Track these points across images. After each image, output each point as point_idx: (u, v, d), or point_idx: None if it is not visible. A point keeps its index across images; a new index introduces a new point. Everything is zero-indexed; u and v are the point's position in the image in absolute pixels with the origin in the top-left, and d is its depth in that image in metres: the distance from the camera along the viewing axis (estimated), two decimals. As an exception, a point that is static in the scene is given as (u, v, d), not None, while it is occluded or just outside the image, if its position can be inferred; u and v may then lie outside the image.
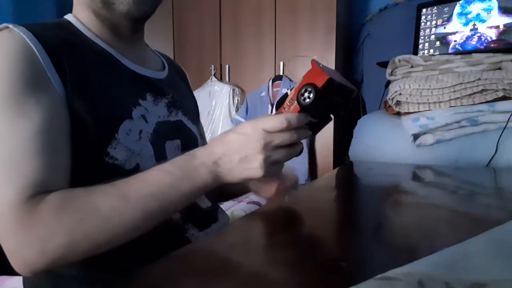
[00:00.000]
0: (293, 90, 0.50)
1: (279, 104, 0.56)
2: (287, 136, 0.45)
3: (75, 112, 0.47)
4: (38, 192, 0.41)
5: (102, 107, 0.49)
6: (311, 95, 0.46)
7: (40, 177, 0.41)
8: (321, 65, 0.47)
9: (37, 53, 0.45)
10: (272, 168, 0.46)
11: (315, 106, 0.47)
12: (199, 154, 0.46)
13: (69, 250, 0.40)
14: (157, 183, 0.44)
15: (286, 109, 0.50)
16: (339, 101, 0.50)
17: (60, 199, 0.41)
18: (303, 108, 0.47)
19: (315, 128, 0.52)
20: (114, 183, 0.43)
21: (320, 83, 0.46)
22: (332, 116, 0.53)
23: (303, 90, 0.47)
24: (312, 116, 0.49)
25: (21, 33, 0.46)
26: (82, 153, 0.47)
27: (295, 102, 0.48)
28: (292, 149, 0.47)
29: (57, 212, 0.40)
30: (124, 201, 0.42)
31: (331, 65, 2.09)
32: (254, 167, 0.44)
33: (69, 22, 0.55)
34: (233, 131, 0.46)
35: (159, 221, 0.45)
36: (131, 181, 0.43)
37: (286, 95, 0.59)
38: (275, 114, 0.50)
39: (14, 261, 0.40)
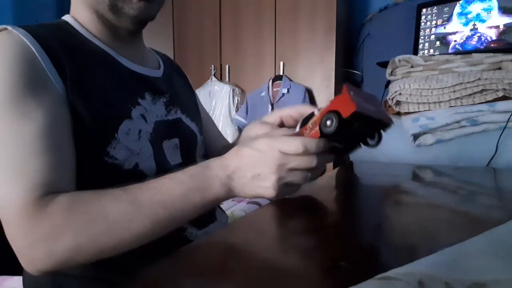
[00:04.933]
0: (318, 113, 0.46)
1: (304, 123, 0.54)
2: (304, 161, 0.43)
3: (75, 112, 0.47)
4: (46, 192, 0.41)
5: (102, 107, 0.49)
6: (334, 124, 0.43)
7: (46, 177, 0.41)
8: (351, 93, 0.43)
9: (36, 53, 0.45)
10: (286, 189, 0.44)
11: (337, 136, 0.44)
12: (213, 166, 0.45)
13: (75, 253, 0.40)
14: (168, 192, 0.43)
15: (307, 131, 0.46)
16: (367, 132, 0.47)
17: (69, 201, 0.41)
18: (324, 136, 0.44)
19: (341, 152, 0.49)
20: (125, 188, 0.43)
21: (345, 113, 0.42)
22: (361, 144, 0.49)
23: (326, 117, 0.44)
24: (336, 142, 0.46)
25: (19, 34, 0.46)
26: (82, 153, 0.47)
27: (317, 127, 0.45)
28: (310, 172, 0.45)
29: (65, 214, 0.40)
30: (134, 208, 0.41)
31: (331, 65, 2.09)
32: (266, 186, 0.43)
33: (67, 23, 0.55)
34: (249, 145, 0.45)
35: (168, 230, 0.44)
36: (142, 187, 0.43)
37: (312, 114, 0.56)
38: (296, 132, 0.48)
39: (23, 261, 0.40)
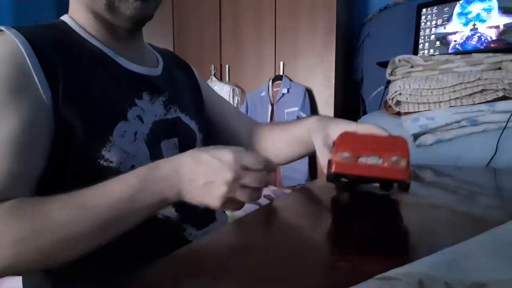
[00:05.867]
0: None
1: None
2: (257, 179, 0.43)
3: (68, 115, 0.46)
4: None
5: (96, 109, 0.49)
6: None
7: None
8: (339, 148, 0.45)
9: (26, 57, 0.45)
10: (230, 204, 0.43)
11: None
12: (164, 167, 0.44)
13: (19, 261, 0.38)
14: (116, 194, 0.42)
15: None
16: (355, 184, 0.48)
17: (12, 207, 0.39)
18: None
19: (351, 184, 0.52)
20: (72, 193, 0.41)
21: (330, 167, 0.45)
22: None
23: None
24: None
25: (13, 36, 0.45)
26: (76, 156, 0.47)
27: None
28: (257, 193, 0.44)
29: (6, 221, 0.38)
30: (79, 211, 0.40)
31: (331, 65, 2.08)
32: (213, 196, 0.42)
33: (64, 23, 0.55)
34: (210, 152, 0.44)
35: (117, 233, 0.43)
36: (90, 191, 0.42)
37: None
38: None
39: None
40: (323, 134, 0.59)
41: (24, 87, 0.44)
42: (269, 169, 0.44)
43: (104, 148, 0.48)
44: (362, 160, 0.44)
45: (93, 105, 0.49)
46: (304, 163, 2.09)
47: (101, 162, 0.48)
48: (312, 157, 2.12)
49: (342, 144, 0.44)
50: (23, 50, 0.45)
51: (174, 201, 0.44)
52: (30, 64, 0.45)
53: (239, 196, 0.43)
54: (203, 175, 0.42)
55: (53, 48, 0.48)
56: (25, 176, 0.43)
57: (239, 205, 0.44)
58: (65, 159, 0.47)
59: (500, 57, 1.06)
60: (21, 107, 0.43)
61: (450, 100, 1.10)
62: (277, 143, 0.72)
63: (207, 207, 0.43)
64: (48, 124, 0.45)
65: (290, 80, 2.19)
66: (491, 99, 1.04)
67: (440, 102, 1.11)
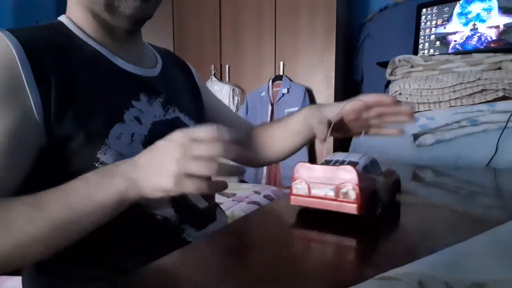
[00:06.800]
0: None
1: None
2: (209, 147, 0.40)
3: (61, 120, 0.46)
4: None
5: (92, 112, 0.48)
6: None
7: None
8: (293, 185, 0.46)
9: (18, 61, 0.44)
10: (187, 182, 0.40)
11: None
12: (123, 163, 0.43)
13: None
14: (74, 192, 0.41)
15: None
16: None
17: None
18: None
19: None
20: (35, 193, 0.41)
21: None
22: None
23: None
24: None
25: (6, 39, 0.45)
26: (71, 159, 0.46)
27: None
28: (214, 163, 0.40)
29: None
30: (36, 211, 0.40)
31: (331, 65, 2.08)
32: (165, 176, 0.40)
33: (61, 23, 0.54)
34: (165, 137, 0.43)
35: (77, 233, 0.41)
36: (50, 190, 0.41)
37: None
38: None
39: None
40: (319, 115, 0.63)
41: (13, 92, 0.44)
42: (224, 138, 0.41)
43: (100, 151, 0.47)
44: (315, 192, 0.45)
45: (88, 107, 0.48)
46: (304, 163, 2.09)
47: (97, 165, 0.47)
48: (311, 158, 2.12)
49: (297, 175, 0.46)
50: (15, 55, 0.44)
51: (131, 197, 0.42)
52: (21, 69, 0.44)
53: (194, 169, 0.40)
54: (154, 160, 0.42)
55: (48, 50, 0.47)
56: (2, 182, 0.43)
57: (200, 182, 0.41)
58: (59, 162, 0.47)
59: (500, 57, 1.06)
60: (7, 113, 0.43)
61: (450, 100, 1.10)
62: (276, 138, 0.73)
63: (166, 193, 0.41)
64: (31, 133, 0.45)
65: (290, 80, 2.20)
66: (491, 99, 1.04)
67: (440, 102, 1.11)
